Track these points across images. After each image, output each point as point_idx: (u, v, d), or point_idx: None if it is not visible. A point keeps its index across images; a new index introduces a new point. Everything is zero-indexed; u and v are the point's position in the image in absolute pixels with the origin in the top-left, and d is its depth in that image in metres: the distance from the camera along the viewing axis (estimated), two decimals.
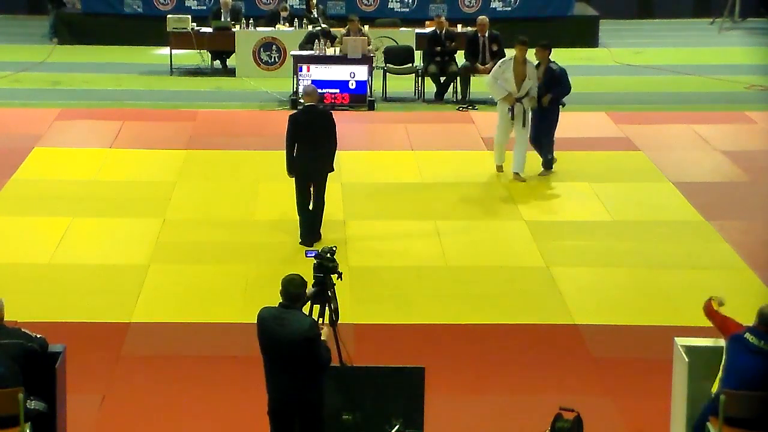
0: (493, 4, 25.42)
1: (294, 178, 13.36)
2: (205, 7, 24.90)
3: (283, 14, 22.72)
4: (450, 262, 13.23)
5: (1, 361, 8.17)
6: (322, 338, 8.16)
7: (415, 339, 11.29)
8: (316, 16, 22.57)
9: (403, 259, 13.27)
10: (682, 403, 8.90)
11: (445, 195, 15.38)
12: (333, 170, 13.37)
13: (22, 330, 8.44)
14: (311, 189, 13.37)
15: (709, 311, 8.90)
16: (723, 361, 8.50)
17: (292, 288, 8.06)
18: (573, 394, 9.98)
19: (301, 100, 14.11)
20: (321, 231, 13.51)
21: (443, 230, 14.05)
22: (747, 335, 8.45)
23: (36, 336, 8.45)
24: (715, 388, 8.51)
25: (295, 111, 13.62)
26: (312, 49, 20.43)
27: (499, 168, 16.23)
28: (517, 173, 15.90)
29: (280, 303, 8.10)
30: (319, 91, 19.90)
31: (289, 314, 8.00)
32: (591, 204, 15.13)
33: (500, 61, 16.21)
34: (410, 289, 12.50)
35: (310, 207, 13.40)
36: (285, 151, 13.24)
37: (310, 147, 13.15)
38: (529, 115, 15.78)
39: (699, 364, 8.75)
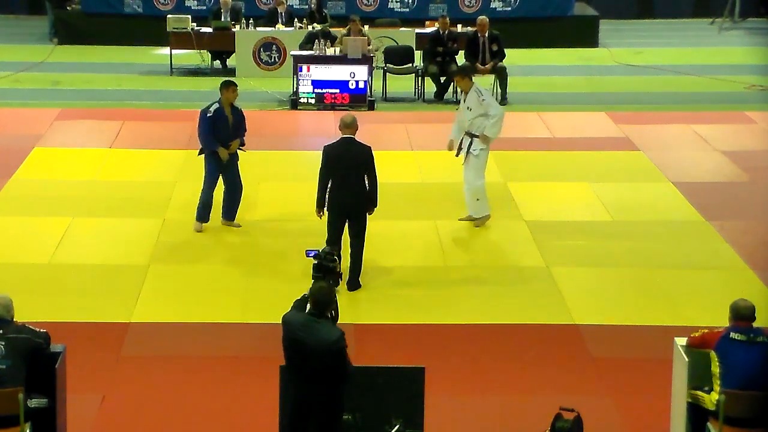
0: (493, 4, 25.41)
1: (327, 214, 12.18)
2: (205, 7, 24.91)
3: (281, 9, 22.71)
4: (450, 262, 13.23)
5: (10, 355, 8.35)
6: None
7: (415, 339, 11.29)
8: (324, 14, 22.61)
9: (403, 259, 13.27)
10: (682, 403, 8.90)
11: (445, 195, 15.36)
12: (377, 205, 12.21)
13: (28, 326, 8.61)
14: (346, 228, 12.19)
15: (689, 342, 8.92)
16: (716, 369, 8.52)
17: (321, 297, 8.07)
18: (573, 394, 9.99)
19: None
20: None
21: (443, 230, 14.05)
22: (732, 335, 8.52)
23: (40, 331, 8.64)
24: (714, 397, 8.52)
25: (330, 142, 12.31)
26: (312, 49, 20.44)
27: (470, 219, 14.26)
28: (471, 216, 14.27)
29: (308, 311, 8.13)
30: (319, 91, 20.05)
31: (319, 324, 8.01)
32: (591, 204, 15.13)
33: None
34: (410, 289, 12.50)
35: (350, 252, 12.17)
36: (317, 186, 12.15)
37: (345, 184, 12.03)
38: (471, 153, 13.94)
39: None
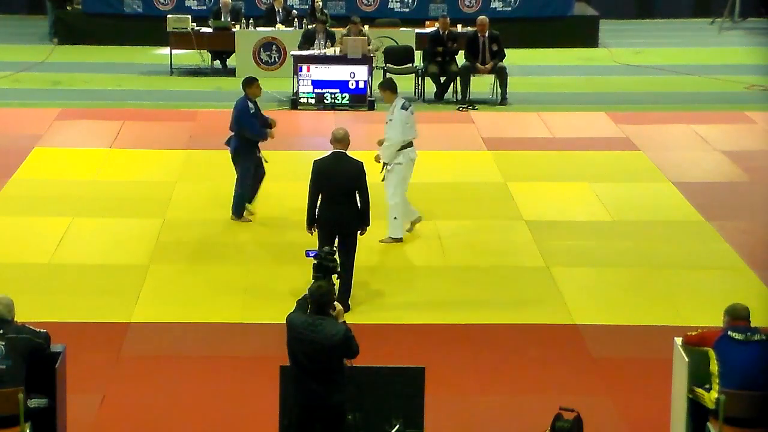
0: (493, 4, 25.41)
1: (317, 231, 11.58)
2: (205, 7, 24.90)
3: (278, 6, 22.70)
4: (450, 262, 13.23)
5: (10, 355, 8.38)
6: (334, 313, 8.32)
7: (415, 339, 11.30)
8: (324, 13, 22.61)
9: (403, 259, 13.27)
10: (682, 402, 8.91)
11: (445, 195, 15.37)
12: (369, 224, 11.66)
13: (28, 326, 8.63)
14: (336, 243, 11.45)
15: (686, 340, 8.96)
16: (715, 367, 8.55)
17: (320, 296, 8.18)
18: (573, 394, 9.98)
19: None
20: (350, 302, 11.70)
21: (443, 230, 14.04)
22: (730, 334, 8.57)
23: (40, 331, 8.66)
24: (713, 396, 8.54)
25: (320, 157, 11.79)
26: (311, 48, 20.44)
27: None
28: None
29: (310, 310, 8.21)
30: (319, 91, 20.04)
31: (323, 321, 8.13)
32: (591, 204, 15.13)
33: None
34: (410, 289, 12.50)
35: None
36: (307, 202, 11.58)
37: (335, 200, 11.46)
38: (389, 169, 13.47)
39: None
